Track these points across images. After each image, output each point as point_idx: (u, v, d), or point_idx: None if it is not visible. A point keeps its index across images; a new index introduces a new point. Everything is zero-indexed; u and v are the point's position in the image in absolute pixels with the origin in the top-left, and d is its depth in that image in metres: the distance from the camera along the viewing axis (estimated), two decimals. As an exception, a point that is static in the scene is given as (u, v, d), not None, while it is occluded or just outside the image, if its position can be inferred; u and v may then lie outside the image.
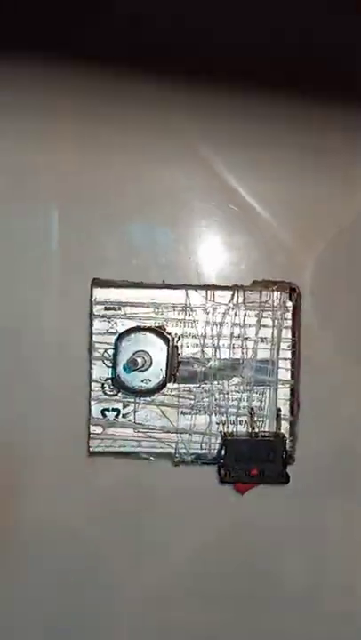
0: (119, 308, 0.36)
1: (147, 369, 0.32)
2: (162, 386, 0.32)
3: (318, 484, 0.37)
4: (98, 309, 0.36)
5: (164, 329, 0.35)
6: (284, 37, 0.37)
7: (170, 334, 0.35)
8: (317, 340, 0.37)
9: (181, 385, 0.36)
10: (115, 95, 0.37)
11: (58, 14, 0.36)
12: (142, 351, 0.32)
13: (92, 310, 0.36)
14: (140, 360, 0.32)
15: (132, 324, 0.35)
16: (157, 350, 0.32)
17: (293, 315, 0.36)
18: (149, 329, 0.32)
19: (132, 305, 0.36)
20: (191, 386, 0.36)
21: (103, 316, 0.36)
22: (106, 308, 0.36)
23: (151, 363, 0.32)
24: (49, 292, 0.37)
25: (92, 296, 0.36)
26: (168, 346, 0.32)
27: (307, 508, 0.38)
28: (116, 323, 0.36)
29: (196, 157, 0.37)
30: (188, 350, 0.36)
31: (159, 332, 0.33)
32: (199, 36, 0.37)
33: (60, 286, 0.37)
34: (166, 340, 0.32)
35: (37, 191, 0.37)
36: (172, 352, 0.33)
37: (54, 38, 0.36)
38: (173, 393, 0.36)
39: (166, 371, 0.32)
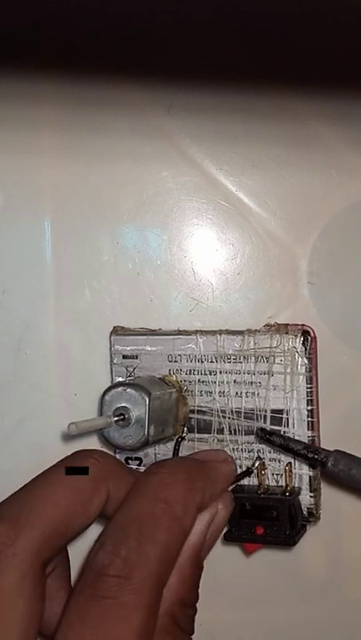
0: (136, 357, 0.36)
1: (127, 425, 0.32)
2: (145, 442, 0.32)
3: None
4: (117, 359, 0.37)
5: (167, 379, 0.35)
6: (266, 29, 0.35)
7: (170, 383, 0.35)
8: (319, 329, 0.35)
9: (197, 435, 0.35)
10: (97, 101, 0.37)
11: (36, 23, 0.36)
12: (123, 407, 0.32)
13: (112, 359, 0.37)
14: (121, 416, 0.32)
15: (148, 372, 0.36)
16: (138, 406, 0.32)
17: (310, 360, 0.34)
18: (131, 384, 0.32)
19: (148, 354, 0.36)
20: (206, 436, 0.35)
21: (121, 365, 0.36)
22: (123, 357, 0.37)
23: (131, 419, 0.32)
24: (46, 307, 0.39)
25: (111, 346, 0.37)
26: (148, 402, 0.32)
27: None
28: (133, 371, 0.36)
29: (182, 156, 0.37)
30: (201, 399, 0.35)
31: (141, 386, 0.32)
32: (177, 33, 0.36)
33: (56, 297, 0.38)
34: (147, 395, 0.32)
35: (27, 203, 0.38)
36: (152, 407, 0.32)
37: (34, 49, 0.37)
38: (190, 444, 0.35)
39: (148, 427, 0.32)
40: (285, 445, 0.32)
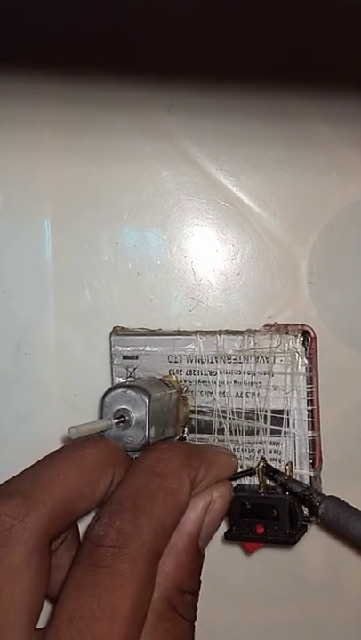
0: (136, 358, 0.36)
1: (128, 427, 0.32)
2: (146, 444, 0.32)
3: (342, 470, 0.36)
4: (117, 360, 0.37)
5: (167, 380, 0.35)
6: (266, 28, 0.35)
7: (171, 384, 0.35)
8: (319, 329, 0.35)
9: (198, 435, 0.35)
10: (97, 101, 0.37)
11: (36, 23, 0.36)
12: (123, 409, 0.32)
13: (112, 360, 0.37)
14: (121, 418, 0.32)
15: (148, 373, 0.36)
16: (138, 408, 0.32)
17: (310, 360, 0.34)
18: (131, 386, 0.32)
19: (148, 354, 0.36)
20: (207, 436, 0.35)
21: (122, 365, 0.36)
22: (124, 357, 0.37)
23: (132, 421, 0.32)
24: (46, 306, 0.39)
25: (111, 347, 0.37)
26: (148, 403, 0.32)
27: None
28: (134, 372, 0.36)
29: (182, 156, 0.37)
30: (201, 399, 0.35)
31: (141, 388, 0.32)
32: (177, 33, 0.36)
33: (56, 297, 0.38)
34: (148, 397, 0.32)
35: (27, 203, 0.38)
36: (152, 409, 0.32)
37: (34, 49, 0.37)
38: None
39: (148, 429, 0.32)
40: (286, 485, 0.33)
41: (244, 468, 0.34)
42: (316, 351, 0.34)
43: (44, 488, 0.27)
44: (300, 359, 0.34)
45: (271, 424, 0.34)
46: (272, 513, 0.32)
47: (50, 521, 0.26)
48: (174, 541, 0.28)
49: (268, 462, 0.34)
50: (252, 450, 0.34)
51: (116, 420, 0.32)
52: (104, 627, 0.24)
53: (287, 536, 0.32)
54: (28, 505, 0.26)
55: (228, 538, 0.33)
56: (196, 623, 0.29)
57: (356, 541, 0.31)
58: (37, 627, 0.26)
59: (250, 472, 0.34)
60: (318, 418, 0.34)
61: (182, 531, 0.29)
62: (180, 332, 0.36)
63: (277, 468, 0.34)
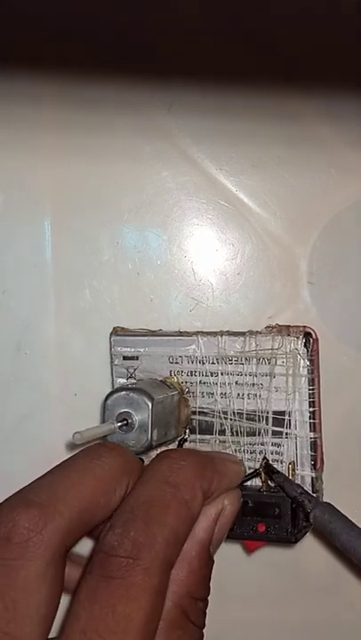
0: (137, 359, 0.36)
1: (131, 430, 0.32)
2: (148, 447, 0.32)
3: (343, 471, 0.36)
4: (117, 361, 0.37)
5: (168, 381, 0.35)
6: (266, 28, 0.35)
7: (172, 386, 0.35)
8: (319, 329, 0.35)
9: (199, 436, 0.35)
10: (97, 102, 0.37)
11: (35, 23, 0.36)
12: (126, 412, 0.32)
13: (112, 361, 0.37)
14: (124, 421, 0.32)
15: (149, 373, 0.36)
16: (141, 411, 0.32)
17: (311, 362, 0.34)
18: (133, 389, 0.32)
19: (148, 355, 0.36)
20: (208, 437, 0.35)
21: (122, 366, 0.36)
22: (124, 358, 0.37)
23: (134, 424, 0.32)
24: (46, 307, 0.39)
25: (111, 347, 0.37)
26: (151, 406, 0.32)
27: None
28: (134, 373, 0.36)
29: (182, 156, 0.37)
30: (202, 400, 0.35)
31: (143, 391, 0.32)
32: (177, 32, 0.36)
33: (56, 297, 0.38)
34: (150, 400, 0.32)
35: (27, 203, 0.38)
36: (155, 412, 0.32)
37: (34, 49, 0.37)
38: (192, 445, 0.36)
39: (151, 432, 0.32)
40: (283, 486, 0.33)
41: (246, 469, 0.34)
42: (318, 353, 0.34)
43: (60, 499, 0.26)
44: (301, 361, 0.34)
45: (273, 425, 0.34)
46: (274, 511, 0.33)
47: (67, 532, 0.26)
48: (187, 549, 0.28)
49: (270, 463, 0.34)
50: (254, 451, 0.35)
51: (119, 424, 0.32)
52: (118, 639, 0.24)
53: (289, 535, 0.33)
54: (45, 516, 0.25)
55: (230, 536, 0.33)
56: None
57: (343, 550, 0.31)
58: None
59: (255, 474, 0.34)
60: (320, 419, 0.34)
61: (194, 538, 0.29)
62: (180, 333, 0.36)
63: (279, 469, 0.34)
